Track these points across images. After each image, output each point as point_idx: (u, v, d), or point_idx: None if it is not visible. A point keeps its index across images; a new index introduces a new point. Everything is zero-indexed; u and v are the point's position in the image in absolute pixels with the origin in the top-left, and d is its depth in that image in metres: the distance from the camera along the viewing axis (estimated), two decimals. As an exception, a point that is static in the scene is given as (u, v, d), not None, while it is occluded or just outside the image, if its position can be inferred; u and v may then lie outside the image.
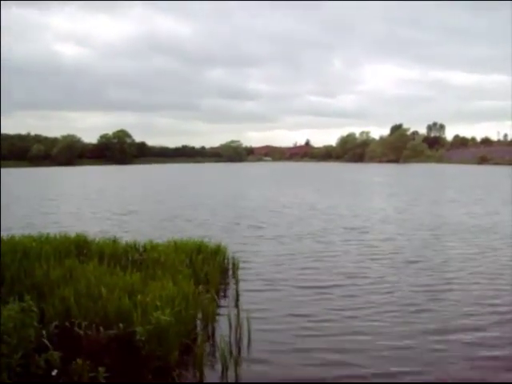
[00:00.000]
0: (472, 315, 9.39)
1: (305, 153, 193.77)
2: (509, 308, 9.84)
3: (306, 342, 8.26)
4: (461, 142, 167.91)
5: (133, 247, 12.58)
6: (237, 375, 7.03)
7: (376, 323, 9.01)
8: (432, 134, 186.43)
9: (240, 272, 12.29)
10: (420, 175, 72.98)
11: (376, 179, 62.39)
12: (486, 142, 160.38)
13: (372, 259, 14.29)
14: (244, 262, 13.26)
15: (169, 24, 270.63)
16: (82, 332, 7.42)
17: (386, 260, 14.20)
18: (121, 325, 7.44)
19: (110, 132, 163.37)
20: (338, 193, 38.52)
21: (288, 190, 41.44)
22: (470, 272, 12.65)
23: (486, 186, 45.82)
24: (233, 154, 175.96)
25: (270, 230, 19.43)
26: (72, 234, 13.14)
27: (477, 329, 8.68)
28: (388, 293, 10.88)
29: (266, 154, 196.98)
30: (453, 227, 20.13)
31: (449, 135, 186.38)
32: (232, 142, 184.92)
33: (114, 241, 12.98)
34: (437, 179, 63.04)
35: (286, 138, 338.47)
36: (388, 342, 8.10)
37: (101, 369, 6.43)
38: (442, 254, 14.91)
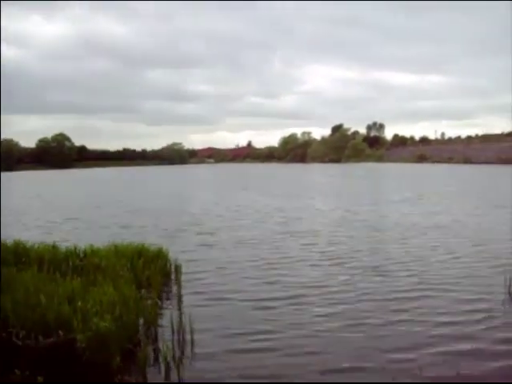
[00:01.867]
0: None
1: (247, 154, 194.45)
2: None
3: (249, 343, 8.30)
4: (400, 141, 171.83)
5: (73, 253, 12.37)
6: (180, 378, 7.04)
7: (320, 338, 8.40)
8: (372, 134, 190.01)
9: (183, 277, 12.09)
10: (363, 175, 74.25)
11: (319, 179, 63.20)
12: (425, 140, 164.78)
13: (318, 265, 13.66)
14: (187, 267, 12.96)
15: (107, 25, 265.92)
16: (19, 342, 7.27)
17: (335, 266, 13.54)
18: (60, 332, 7.33)
19: (48, 136, 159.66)
20: (282, 195, 38.46)
21: (231, 193, 41.16)
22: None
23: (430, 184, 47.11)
24: (175, 156, 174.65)
25: (212, 236, 18.92)
26: (9, 242, 12.80)
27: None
28: (335, 304, 10.17)
29: (209, 156, 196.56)
30: (403, 228, 20.09)
31: (388, 134, 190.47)
32: (174, 144, 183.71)
33: (54, 247, 12.74)
34: (379, 178, 64.37)
35: (228, 139, 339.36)
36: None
37: (40, 378, 6.32)
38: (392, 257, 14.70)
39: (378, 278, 12.04)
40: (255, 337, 8.43)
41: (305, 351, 7.83)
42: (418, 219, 22.21)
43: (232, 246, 16.73)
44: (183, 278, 12.11)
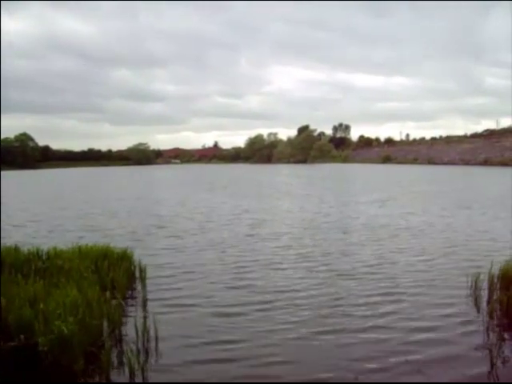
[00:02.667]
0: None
1: (213, 155, 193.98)
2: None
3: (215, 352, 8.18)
4: (365, 142, 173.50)
5: (35, 255, 12.17)
6: (144, 378, 6.99)
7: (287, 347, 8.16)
8: (338, 135, 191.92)
9: (148, 281, 11.91)
10: (330, 175, 74.81)
11: (286, 180, 63.44)
12: (390, 142, 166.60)
13: (286, 269, 13.43)
14: (153, 270, 12.79)
15: (69, 23, 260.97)
16: (-21, 346, 7.12)
17: (304, 270, 13.18)
18: (22, 336, 7.20)
19: (11, 136, 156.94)
20: (250, 196, 38.27)
21: (198, 195, 40.63)
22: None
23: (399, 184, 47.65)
24: (141, 156, 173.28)
25: (179, 239, 18.55)
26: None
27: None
28: (303, 310, 9.94)
29: (175, 157, 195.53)
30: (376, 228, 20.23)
31: (354, 136, 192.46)
32: (140, 144, 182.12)
33: (16, 249, 12.50)
34: (346, 179, 64.89)
35: (194, 140, 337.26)
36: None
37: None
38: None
39: (347, 282, 11.88)
40: (221, 346, 8.17)
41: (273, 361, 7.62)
42: (388, 220, 22.23)
43: (199, 249, 16.41)
44: (149, 281, 11.90)
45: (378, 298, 10.58)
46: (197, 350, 8.05)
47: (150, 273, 12.31)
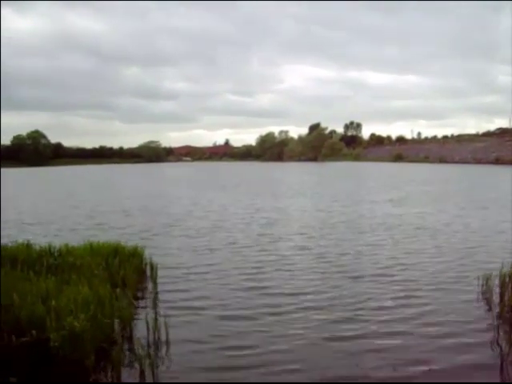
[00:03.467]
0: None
1: (224, 152, 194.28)
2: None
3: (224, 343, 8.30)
4: (377, 141, 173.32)
5: (48, 252, 12.26)
6: (154, 377, 7.03)
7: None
8: (349, 133, 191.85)
9: (161, 280, 11.88)
10: (342, 174, 74.55)
11: (299, 178, 63.27)
12: (401, 140, 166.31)
13: (300, 270, 13.11)
14: (165, 270, 12.76)
15: (81, 21, 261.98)
16: (-8, 342, 7.20)
17: (317, 273, 12.82)
18: (34, 332, 7.27)
19: (24, 133, 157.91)
20: (263, 194, 37.93)
21: (212, 193, 40.11)
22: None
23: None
24: (152, 154, 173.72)
25: (191, 238, 18.19)
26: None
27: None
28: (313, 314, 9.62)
29: (186, 155, 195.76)
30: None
31: (365, 134, 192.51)
32: (151, 142, 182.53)
33: (28, 246, 12.60)
34: (360, 178, 64.53)
35: (205, 137, 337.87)
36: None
37: (12, 378, 6.27)
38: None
39: (363, 285, 11.59)
40: (231, 352, 8.01)
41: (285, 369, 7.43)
42: (403, 220, 22.00)
43: (212, 248, 16.16)
44: (159, 280, 11.82)
45: (395, 302, 10.35)
46: (206, 355, 7.87)
47: (160, 272, 12.24)
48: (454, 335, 8.50)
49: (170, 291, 11.26)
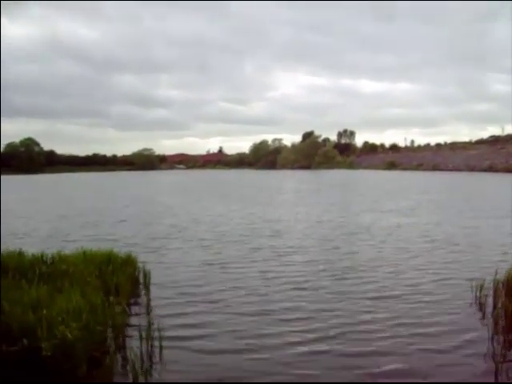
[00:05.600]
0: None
1: (218, 160, 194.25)
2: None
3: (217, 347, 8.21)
4: (370, 149, 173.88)
5: (40, 259, 12.16)
6: (147, 386, 6.95)
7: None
8: (342, 141, 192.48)
9: (152, 288, 11.79)
10: (337, 182, 74.44)
11: (295, 186, 63.23)
12: (394, 148, 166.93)
13: (302, 288, 11.98)
14: (157, 277, 12.63)
15: (72, 27, 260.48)
16: (-18, 350, 7.09)
17: (323, 289, 11.90)
18: (25, 340, 7.17)
19: (16, 140, 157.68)
20: (262, 203, 37.19)
21: (210, 202, 39.12)
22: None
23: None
24: (145, 162, 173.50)
25: (187, 254, 16.96)
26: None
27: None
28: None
29: (180, 162, 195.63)
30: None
31: (358, 142, 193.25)
32: (144, 149, 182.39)
33: (19, 253, 12.49)
34: (355, 186, 64.52)
35: (199, 145, 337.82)
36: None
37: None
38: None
39: (368, 302, 10.81)
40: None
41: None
42: (412, 232, 20.92)
43: (207, 263, 15.14)
44: (154, 288, 11.75)
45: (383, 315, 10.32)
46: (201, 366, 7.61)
47: (153, 280, 12.19)
48: (448, 343, 8.42)
49: (163, 298, 11.15)
